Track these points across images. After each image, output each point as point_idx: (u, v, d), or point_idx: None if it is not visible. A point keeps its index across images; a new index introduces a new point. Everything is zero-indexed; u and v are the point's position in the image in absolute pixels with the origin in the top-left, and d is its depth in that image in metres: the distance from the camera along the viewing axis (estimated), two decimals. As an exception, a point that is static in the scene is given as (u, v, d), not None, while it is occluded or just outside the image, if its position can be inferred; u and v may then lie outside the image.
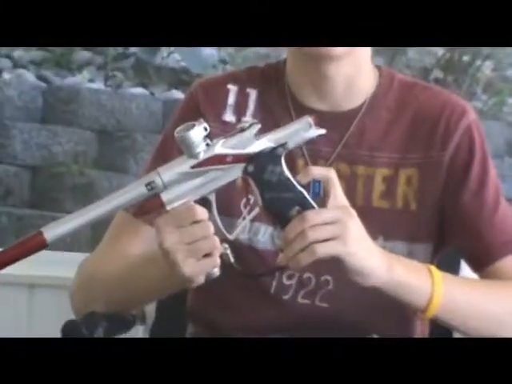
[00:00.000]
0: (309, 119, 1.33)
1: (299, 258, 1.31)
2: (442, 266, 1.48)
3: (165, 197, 1.27)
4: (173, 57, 3.55)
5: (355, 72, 1.51)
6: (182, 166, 1.28)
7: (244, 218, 1.41)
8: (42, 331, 1.78)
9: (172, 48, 2.86)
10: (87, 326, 1.47)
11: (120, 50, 3.38)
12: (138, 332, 1.81)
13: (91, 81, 4.08)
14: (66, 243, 1.88)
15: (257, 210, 1.34)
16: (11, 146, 3.79)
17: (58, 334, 1.46)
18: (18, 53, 3.38)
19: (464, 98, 1.86)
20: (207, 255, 1.27)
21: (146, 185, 1.26)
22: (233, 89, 1.54)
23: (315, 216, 1.32)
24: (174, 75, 3.60)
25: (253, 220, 1.38)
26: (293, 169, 1.42)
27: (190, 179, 1.30)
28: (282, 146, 1.32)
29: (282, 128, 1.33)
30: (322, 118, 1.49)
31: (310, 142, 1.49)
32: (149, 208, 1.28)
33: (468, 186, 1.50)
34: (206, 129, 1.27)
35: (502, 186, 1.58)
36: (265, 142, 1.32)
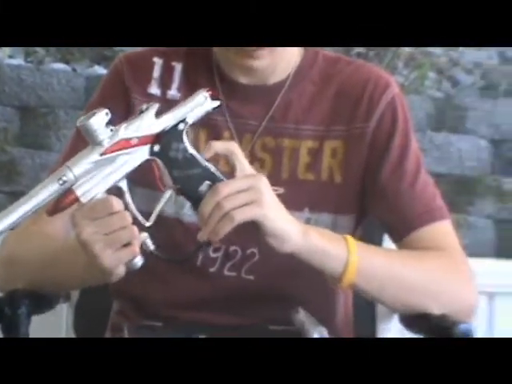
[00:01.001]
0: (204, 93, 1.34)
1: (218, 228, 1.31)
2: (365, 239, 1.55)
3: (78, 190, 1.25)
4: None
5: (280, 49, 1.51)
6: (90, 155, 1.26)
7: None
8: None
9: None
10: (10, 305, 1.48)
11: None
12: (63, 310, 1.82)
13: (11, 57, 4.04)
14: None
15: (169, 192, 1.33)
16: None
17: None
18: None
19: (388, 72, 1.94)
20: (126, 245, 1.27)
21: (58, 180, 1.25)
22: (158, 62, 1.55)
23: (227, 186, 1.33)
24: (96, 50, 3.60)
25: (178, 193, 1.35)
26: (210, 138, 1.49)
27: (99, 168, 1.27)
28: (182, 121, 1.32)
29: (180, 104, 1.34)
30: (248, 92, 1.54)
31: (236, 116, 1.52)
32: (65, 204, 1.26)
33: (389, 157, 1.53)
34: (107, 114, 1.26)
35: (423, 159, 1.60)
36: (165, 121, 1.31)
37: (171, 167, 1.33)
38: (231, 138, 1.54)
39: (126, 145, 1.30)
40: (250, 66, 1.54)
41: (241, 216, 1.32)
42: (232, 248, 1.53)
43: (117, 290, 1.62)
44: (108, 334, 1.67)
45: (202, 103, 1.35)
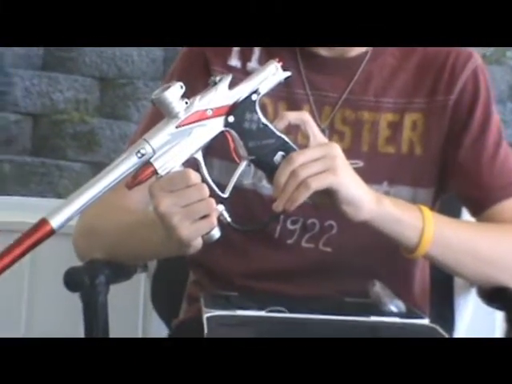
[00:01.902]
0: (275, 63, 1.35)
1: (294, 197, 1.31)
2: (443, 213, 1.53)
3: (156, 163, 1.27)
4: None
5: None
6: (166, 128, 1.28)
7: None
8: (45, 279, 1.85)
9: None
10: (89, 274, 1.51)
11: None
12: (141, 280, 1.85)
13: None
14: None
15: (244, 163, 1.35)
16: (12, 94, 3.93)
17: (60, 282, 1.51)
18: None
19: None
20: (203, 217, 1.28)
21: (137, 153, 1.26)
22: None
23: (302, 156, 1.34)
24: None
25: (253, 164, 1.38)
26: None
27: (175, 141, 1.29)
28: (255, 92, 1.33)
29: (252, 75, 1.35)
30: (328, 64, 1.56)
31: (316, 88, 1.54)
32: (143, 176, 1.28)
33: (470, 129, 1.54)
34: (181, 87, 1.27)
35: (505, 131, 1.59)
36: (238, 92, 1.33)
37: (246, 138, 1.35)
38: (311, 111, 1.55)
39: (201, 116, 1.32)
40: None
41: (316, 183, 1.33)
42: (310, 220, 1.54)
43: (194, 260, 1.65)
44: (184, 304, 1.70)
45: (273, 73, 1.37)
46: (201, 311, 1.45)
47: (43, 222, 1.23)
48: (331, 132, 1.55)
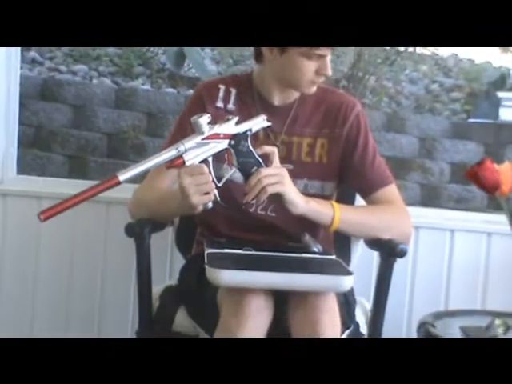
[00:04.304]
0: (263, 116, 1.66)
1: (258, 196, 1.62)
2: (343, 197, 1.93)
3: (186, 157, 1.55)
4: (191, 71, 4.20)
5: None
6: (195, 138, 1.56)
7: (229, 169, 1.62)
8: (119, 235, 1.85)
9: (190, 65, 3.37)
10: (138, 226, 1.82)
11: (160, 65, 4.00)
12: (169, 232, 2.17)
13: (143, 84, 4.96)
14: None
15: (234, 169, 1.63)
16: (97, 122, 4.50)
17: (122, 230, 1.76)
18: (102, 68, 4.14)
19: (359, 98, 2.55)
20: (206, 193, 1.57)
21: (176, 149, 1.54)
22: (222, 87, 1.87)
23: (266, 171, 1.62)
24: (191, 81, 4.23)
25: (238, 170, 1.63)
26: (257, 136, 1.78)
27: (199, 147, 1.57)
28: (249, 130, 1.63)
29: (250, 120, 1.64)
30: (275, 109, 1.82)
31: (270, 121, 1.73)
32: (177, 163, 1.56)
33: (357, 149, 1.86)
34: (209, 117, 1.56)
35: (378, 148, 1.91)
36: (240, 128, 1.61)
37: (238, 155, 1.60)
38: (265, 136, 1.82)
39: (216, 137, 1.57)
40: (309, 91, 1.80)
41: (271, 189, 1.61)
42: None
43: (200, 219, 1.92)
44: (194, 245, 1.95)
45: (261, 122, 1.66)
46: (203, 250, 1.70)
47: (114, 176, 1.48)
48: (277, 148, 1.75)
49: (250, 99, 1.84)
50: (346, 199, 1.95)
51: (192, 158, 1.56)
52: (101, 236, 2.45)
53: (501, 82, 2.89)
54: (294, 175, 1.74)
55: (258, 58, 1.81)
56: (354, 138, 1.86)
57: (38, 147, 3.84)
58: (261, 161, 1.63)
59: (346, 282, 1.57)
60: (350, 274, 1.58)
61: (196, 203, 1.56)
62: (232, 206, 1.74)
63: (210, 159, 1.58)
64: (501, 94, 2.83)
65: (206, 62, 3.89)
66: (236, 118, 1.60)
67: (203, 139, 1.57)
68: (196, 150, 1.56)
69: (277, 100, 1.84)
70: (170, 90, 4.98)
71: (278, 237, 1.83)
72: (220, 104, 1.84)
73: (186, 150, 1.55)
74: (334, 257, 1.74)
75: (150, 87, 4.94)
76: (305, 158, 1.86)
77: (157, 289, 1.92)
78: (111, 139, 4.73)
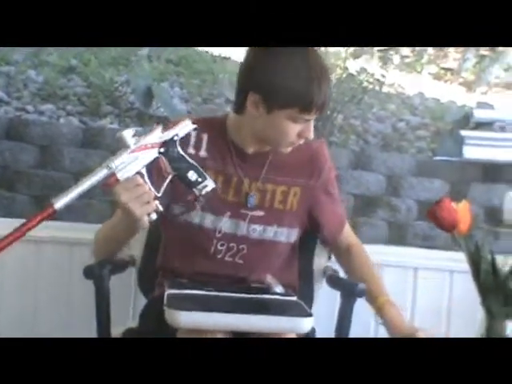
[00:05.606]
0: (187, 120, 1.66)
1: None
2: (305, 243, 1.98)
3: (118, 174, 1.56)
4: (159, 110, 4.28)
5: None
6: (124, 153, 1.57)
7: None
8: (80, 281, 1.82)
9: (159, 104, 3.40)
10: (98, 268, 1.84)
11: (129, 104, 4.02)
12: (132, 272, 2.12)
13: (111, 123, 4.86)
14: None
15: (170, 175, 1.62)
16: (64, 161, 4.12)
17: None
18: (69, 107, 4.18)
19: (327, 136, 2.50)
20: (147, 203, 1.57)
21: (106, 167, 1.56)
22: (193, 133, 1.83)
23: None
24: (160, 120, 3.83)
25: (175, 178, 1.65)
26: (230, 183, 1.84)
27: (129, 161, 1.57)
28: (176, 135, 1.63)
29: (175, 126, 1.64)
30: (250, 156, 1.85)
31: (242, 170, 1.83)
32: (110, 182, 1.56)
33: (328, 196, 1.96)
34: (133, 130, 1.58)
35: (344, 186, 2.03)
36: (167, 135, 1.62)
37: (170, 161, 1.62)
38: (239, 182, 1.85)
39: (144, 148, 1.59)
40: (286, 151, 1.84)
41: None
42: (231, 244, 1.86)
43: (160, 266, 1.95)
44: (156, 287, 1.96)
45: (186, 125, 1.67)
46: (165, 291, 1.72)
47: (49, 204, 1.49)
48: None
49: (225, 146, 1.86)
50: (307, 244, 2.02)
51: (125, 173, 1.58)
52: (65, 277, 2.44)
53: (464, 120, 2.93)
54: (266, 222, 1.81)
55: (240, 109, 1.81)
56: (325, 187, 1.95)
57: (3, 187, 3.86)
58: (195, 164, 1.65)
59: (305, 324, 1.59)
60: (309, 315, 1.60)
61: (139, 215, 1.57)
62: (198, 251, 1.80)
63: (144, 170, 1.59)
64: (464, 133, 2.86)
65: (175, 100, 3.89)
66: (161, 127, 1.62)
67: (131, 152, 1.58)
68: (127, 165, 1.57)
69: (251, 149, 1.86)
70: (139, 129, 4.96)
71: (242, 279, 1.87)
72: (191, 150, 1.85)
73: (116, 167, 1.56)
74: (295, 298, 1.76)
75: (118, 126, 4.67)
76: (277, 205, 1.89)
77: (117, 331, 1.91)
78: (78, 179, 4.60)
